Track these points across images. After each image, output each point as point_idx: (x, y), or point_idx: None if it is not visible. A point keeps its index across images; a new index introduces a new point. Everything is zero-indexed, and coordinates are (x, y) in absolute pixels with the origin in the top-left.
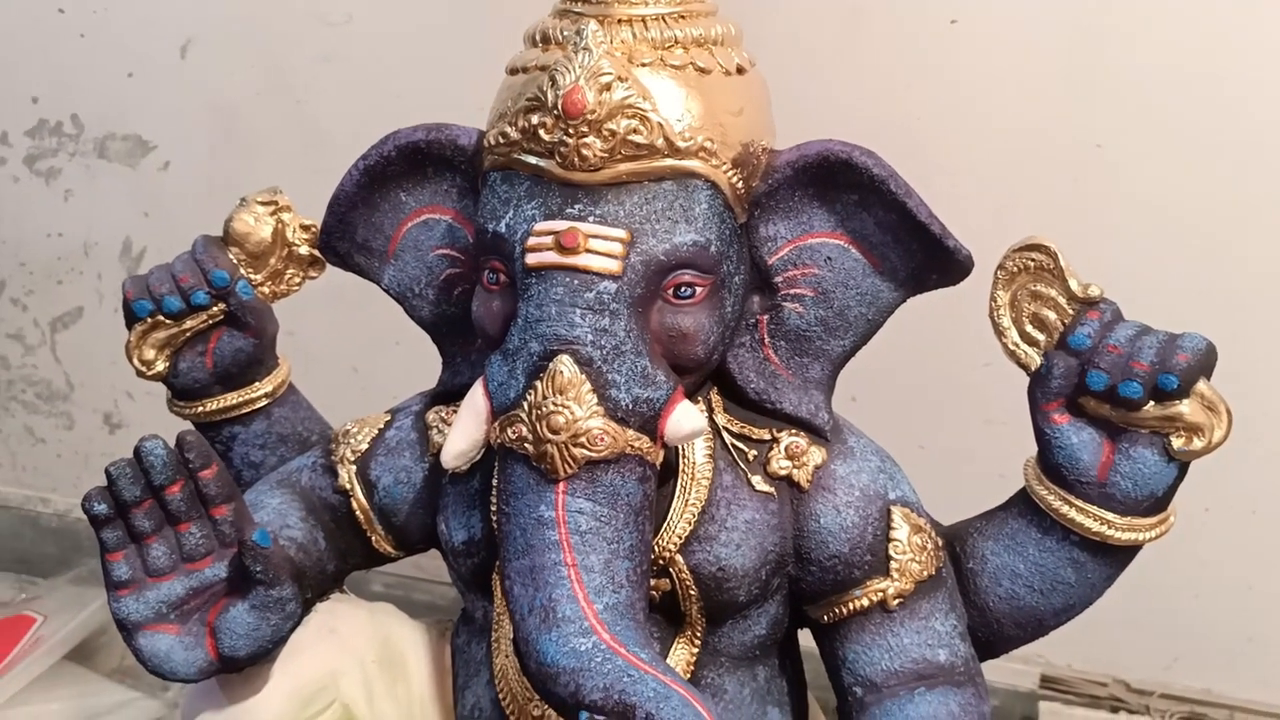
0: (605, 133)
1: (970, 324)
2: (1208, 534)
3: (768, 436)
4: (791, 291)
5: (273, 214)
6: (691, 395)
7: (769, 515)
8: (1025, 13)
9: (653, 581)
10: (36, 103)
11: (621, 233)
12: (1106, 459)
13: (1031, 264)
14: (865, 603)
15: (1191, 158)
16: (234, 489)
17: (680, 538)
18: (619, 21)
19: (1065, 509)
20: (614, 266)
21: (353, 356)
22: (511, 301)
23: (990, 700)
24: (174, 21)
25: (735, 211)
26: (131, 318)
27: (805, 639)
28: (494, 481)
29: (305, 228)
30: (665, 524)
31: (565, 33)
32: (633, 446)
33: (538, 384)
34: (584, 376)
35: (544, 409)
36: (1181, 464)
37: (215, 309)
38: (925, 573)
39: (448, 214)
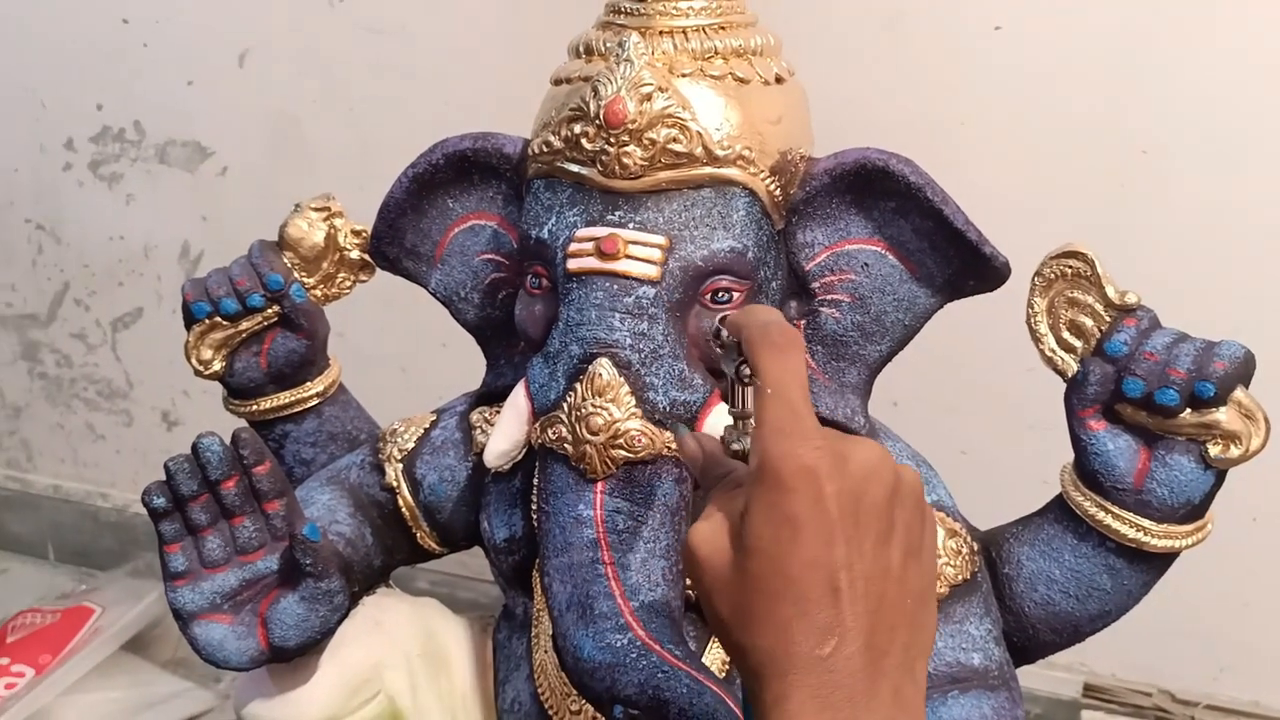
0: (645, 141)
1: (1013, 329)
2: (1255, 543)
3: None
4: (828, 297)
5: (325, 220)
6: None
7: None
8: (1069, 17)
9: (689, 581)
10: (101, 110)
11: (660, 239)
12: (1143, 466)
13: (1069, 271)
14: None
15: (1238, 162)
16: (286, 485)
17: None
18: (660, 33)
19: (1101, 515)
20: (653, 272)
21: (401, 357)
22: (553, 305)
23: (1029, 706)
24: (233, 32)
25: (773, 218)
26: (190, 319)
27: None
28: (535, 481)
29: (356, 233)
30: None
31: (608, 44)
32: (670, 448)
33: (577, 386)
34: (622, 379)
35: (583, 410)
36: (1218, 472)
37: (270, 311)
38: (960, 577)
39: (493, 220)
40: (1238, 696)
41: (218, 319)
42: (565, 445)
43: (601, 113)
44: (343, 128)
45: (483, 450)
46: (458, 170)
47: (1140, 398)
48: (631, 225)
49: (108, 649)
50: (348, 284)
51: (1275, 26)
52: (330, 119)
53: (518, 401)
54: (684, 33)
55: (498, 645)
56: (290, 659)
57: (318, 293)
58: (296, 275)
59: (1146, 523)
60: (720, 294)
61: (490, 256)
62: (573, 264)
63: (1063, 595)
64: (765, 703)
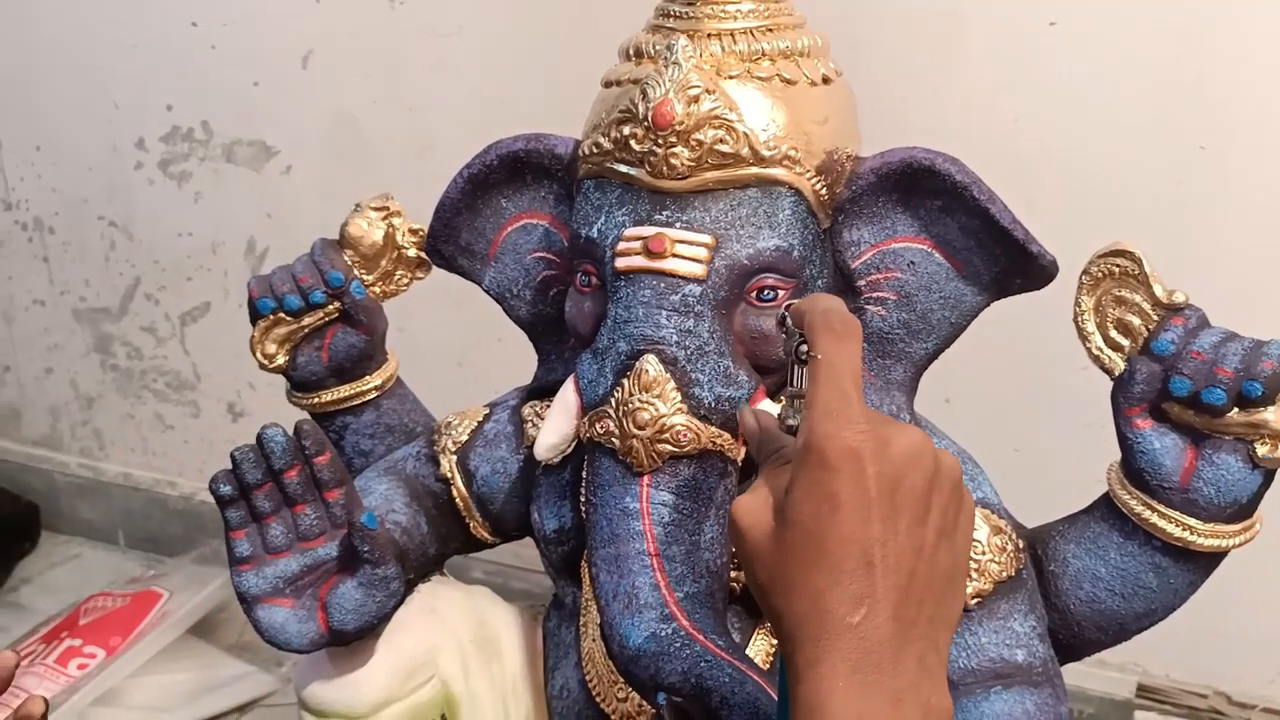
0: (693, 143)
1: (1068, 327)
2: None
3: None
4: (875, 295)
5: (384, 219)
6: (773, 395)
7: None
8: (1125, 12)
9: (733, 574)
10: (170, 110)
11: (707, 238)
12: (1189, 465)
13: (1116, 269)
14: None
15: None
16: (345, 474)
17: None
18: (708, 36)
19: (1147, 514)
20: (699, 270)
21: (457, 352)
22: (602, 303)
23: (1082, 706)
24: (297, 34)
25: (819, 217)
26: (255, 314)
27: None
28: (583, 474)
29: (414, 232)
30: None
31: (657, 47)
32: (715, 443)
33: (625, 382)
34: (669, 375)
35: (630, 405)
36: (1266, 471)
37: (331, 307)
38: (1005, 573)
39: (545, 219)
40: None
41: (281, 314)
42: (613, 439)
43: (650, 114)
44: (402, 128)
45: (534, 443)
46: (511, 171)
47: (1187, 397)
48: (678, 225)
49: (175, 632)
50: (405, 281)
51: None
52: (390, 119)
53: (567, 396)
54: (732, 35)
55: (547, 633)
56: (348, 642)
57: (376, 289)
58: (356, 272)
59: (1193, 522)
60: (765, 292)
61: (542, 255)
62: (621, 262)
63: (1108, 593)
64: (799, 665)
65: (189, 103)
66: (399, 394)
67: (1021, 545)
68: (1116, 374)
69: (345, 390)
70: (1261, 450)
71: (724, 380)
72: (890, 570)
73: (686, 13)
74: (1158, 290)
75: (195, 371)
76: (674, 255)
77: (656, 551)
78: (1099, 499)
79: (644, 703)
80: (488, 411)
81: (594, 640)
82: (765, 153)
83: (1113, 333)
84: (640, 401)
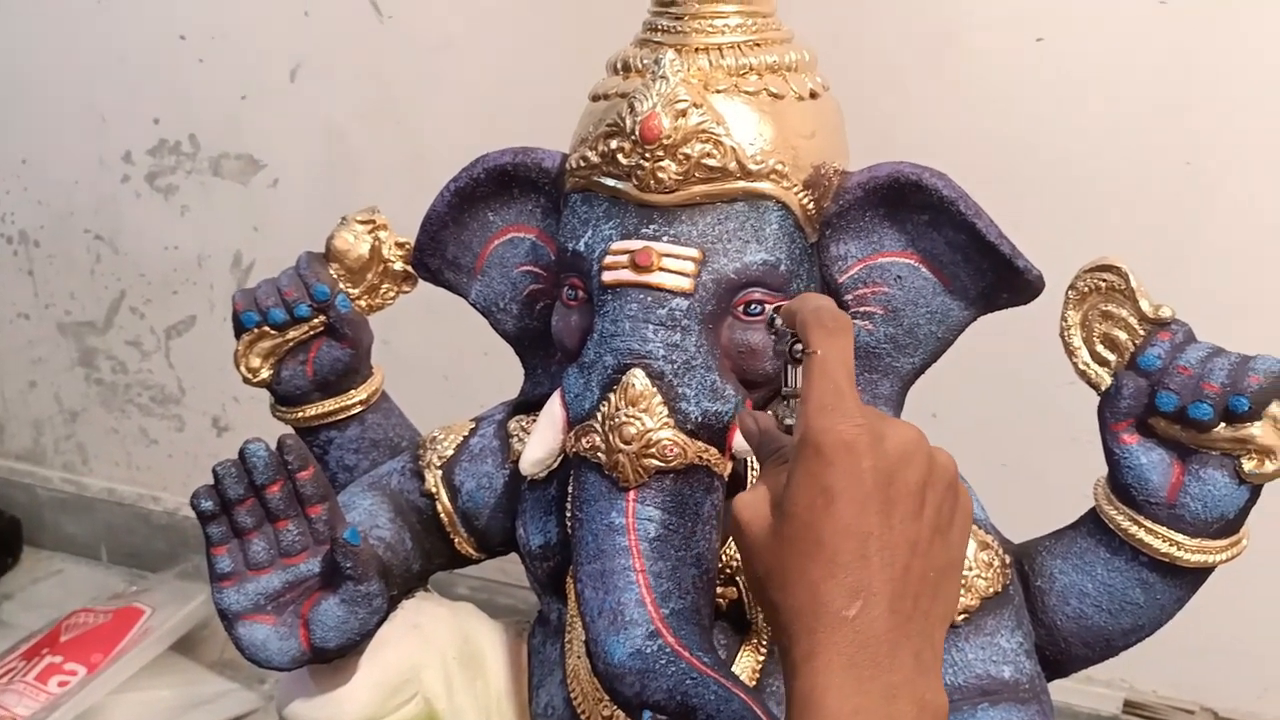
0: (680, 156)
1: (1054, 342)
2: None
3: None
4: (862, 309)
5: (370, 232)
6: (760, 409)
7: None
8: (1111, 28)
9: (720, 590)
10: (158, 123)
11: (694, 252)
12: (1176, 480)
13: (1103, 284)
14: None
15: None
16: (329, 490)
17: None
18: (696, 50)
19: (1134, 529)
20: (686, 284)
21: (443, 366)
22: (589, 317)
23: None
24: (285, 47)
25: (806, 231)
26: (239, 328)
27: None
28: (569, 489)
29: (400, 245)
30: None
31: (644, 61)
32: (701, 458)
33: (611, 396)
34: (655, 389)
35: (617, 419)
36: (1253, 487)
37: (316, 321)
38: (991, 589)
39: (531, 233)
40: None
41: (266, 328)
42: (599, 454)
43: (637, 128)
44: (390, 141)
45: (519, 458)
46: (498, 184)
47: (1174, 412)
48: (666, 238)
49: (157, 649)
50: (391, 294)
51: None
52: (378, 133)
53: (553, 411)
54: (719, 49)
55: (532, 650)
56: (331, 660)
57: (362, 303)
58: (342, 286)
59: (1180, 537)
60: (753, 306)
61: (529, 268)
62: (608, 276)
63: (1095, 609)
64: (795, 659)
65: (176, 116)
66: (384, 408)
67: (1008, 561)
68: (1103, 389)
69: (330, 405)
70: (1248, 465)
71: (711, 395)
72: (886, 564)
73: (674, 27)
74: (1144, 305)
75: (180, 385)
76: (661, 269)
77: (642, 567)
78: (1086, 514)
79: None
80: (473, 426)
81: (579, 657)
82: (752, 167)
83: (1099, 347)
84: (627, 416)
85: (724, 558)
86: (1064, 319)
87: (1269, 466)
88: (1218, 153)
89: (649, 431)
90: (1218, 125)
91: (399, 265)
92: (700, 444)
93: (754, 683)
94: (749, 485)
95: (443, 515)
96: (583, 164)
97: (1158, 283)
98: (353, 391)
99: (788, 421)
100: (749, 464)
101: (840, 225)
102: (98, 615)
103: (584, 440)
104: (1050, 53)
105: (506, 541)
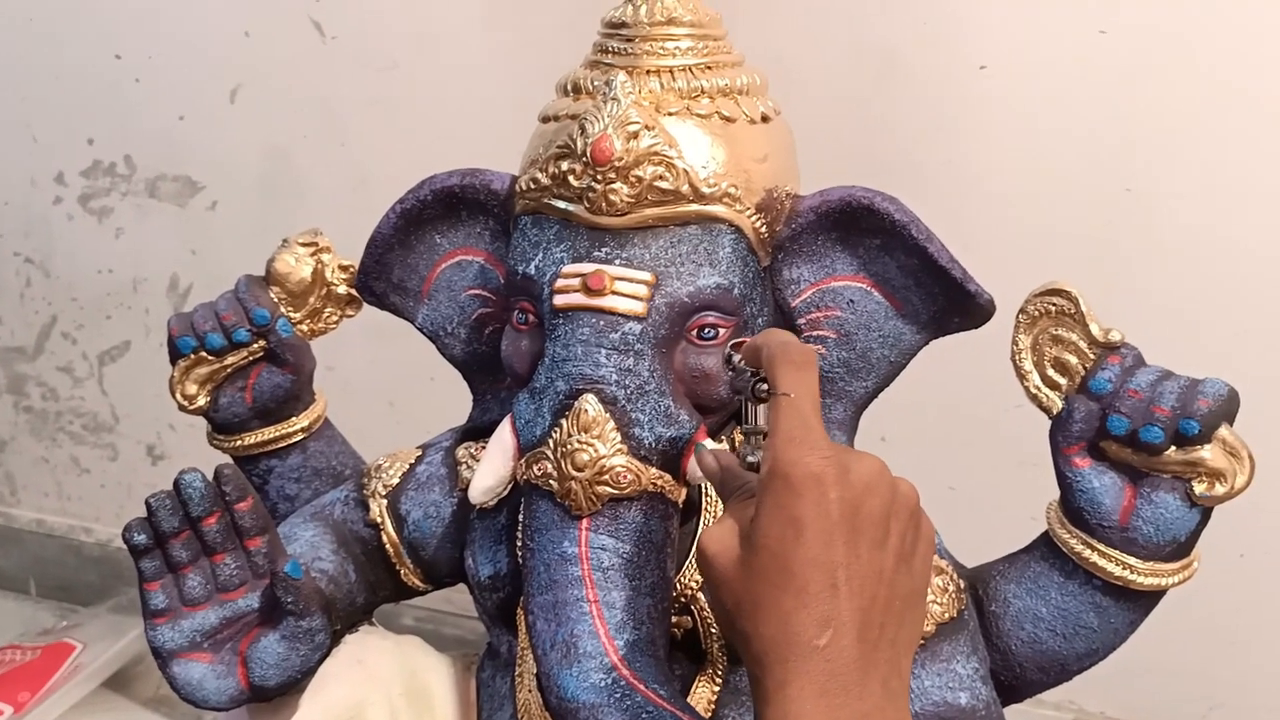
0: (632, 179)
1: (1001, 365)
2: (1243, 579)
3: None
4: (814, 333)
5: (313, 255)
6: (714, 434)
7: None
8: (1054, 57)
9: (675, 619)
10: (92, 144)
11: (647, 275)
12: (1128, 503)
13: (1053, 308)
14: None
15: (1223, 201)
16: (268, 521)
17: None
18: (647, 72)
19: (1087, 553)
20: (639, 308)
21: (388, 391)
22: (540, 341)
23: None
24: (225, 67)
25: (759, 255)
26: (175, 354)
27: None
28: (520, 517)
29: (344, 268)
30: (687, 561)
31: (595, 83)
32: (655, 484)
33: (563, 422)
34: (608, 415)
35: (569, 446)
36: (1204, 509)
37: (256, 346)
38: (946, 615)
39: (480, 256)
40: None
41: (203, 354)
42: (550, 481)
43: (588, 150)
44: (333, 163)
45: (468, 486)
46: (446, 206)
47: (1125, 435)
48: (618, 261)
49: (88, 686)
50: (335, 319)
51: (1257, 65)
52: (321, 154)
53: (503, 437)
54: (671, 72)
55: (481, 684)
56: (271, 698)
57: (304, 327)
58: (283, 310)
59: (1132, 560)
60: (706, 330)
61: (477, 292)
62: (559, 300)
63: (1050, 633)
64: (768, 689)
65: (111, 136)
66: (327, 436)
67: (963, 586)
68: (1055, 413)
69: (270, 432)
70: (1199, 488)
71: (665, 420)
72: (854, 593)
73: (625, 49)
74: (1094, 329)
75: (113, 413)
76: (613, 293)
77: (596, 598)
78: (1039, 538)
79: None
80: (420, 453)
81: (530, 691)
82: (705, 190)
83: (1050, 371)
84: (579, 442)
85: (679, 586)
86: (1015, 343)
87: (1219, 489)
88: (1158, 179)
89: (602, 458)
90: (1158, 152)
91: (343, 288)
92: (654, 470)
93: (709, 714)
94: (703, 514)
95: (388, 546)
96: (533, 186)
97: (1099, 307)
98: (294, 418)
99: (750, 459)
100: (704, 490)
101: (793, 249)
102: (25, 652)
103: (535, 467)
104: (993, 80)
105: (454, 572)
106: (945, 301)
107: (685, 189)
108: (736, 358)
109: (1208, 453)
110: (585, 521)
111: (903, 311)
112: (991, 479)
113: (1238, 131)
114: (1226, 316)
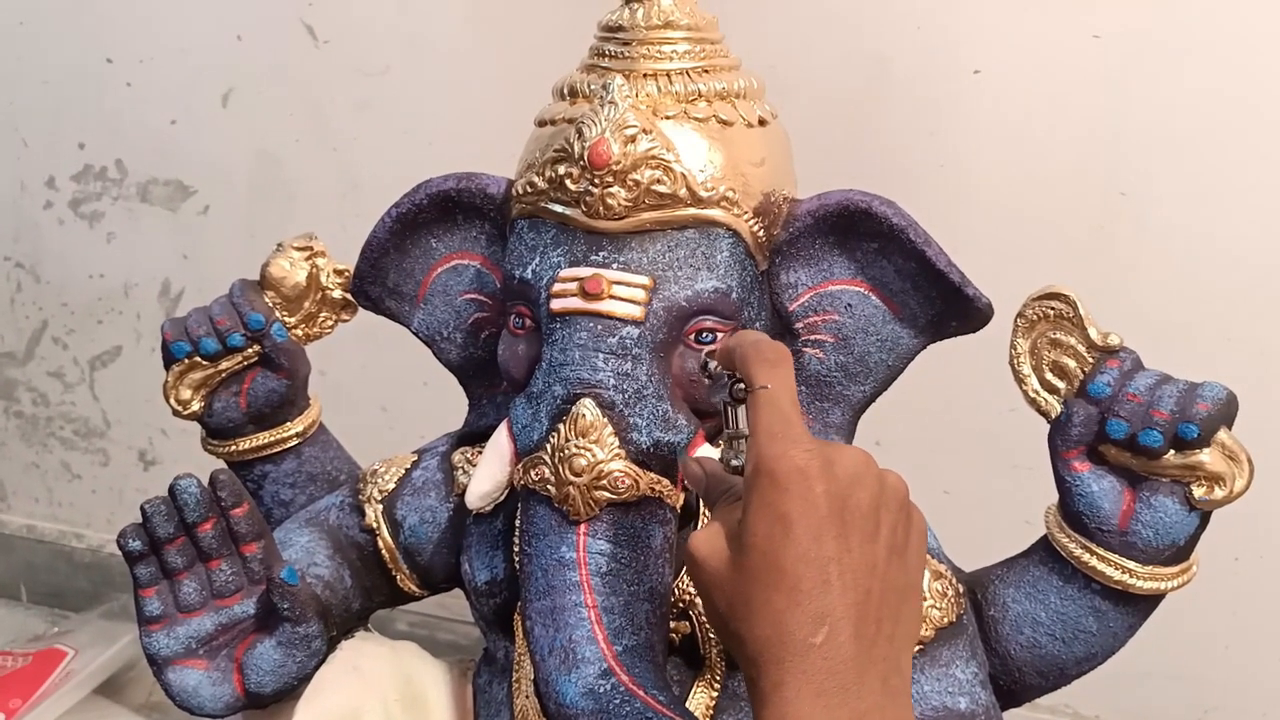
0: (630, 183)
1: (998, 370)
2: (1238, 583)
3: None
4: (812, 337)
5: (308, 259)
6: (712, 439)
7: None
8: (1048, 61)
9: (673, 624)
10: (83, 149)
11: (644, 279)
12: (1127, 507)
13: (1051, 312)
14: None
15: (1216, 205)
16: (264, 527)
17: None
18: (644, 76)
19: (1086, 557)
20: (637, 312)
21: (383, 396)
22: (536, 346)
23: None
24: (217, 71)
25: (756, 259)
26: (169, 359)
27: None
28: (517, 522)
29: (339, 272)
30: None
31: (592, 86)
32: (654, 489)
33: (561, 427)
34: (606, 420)
35: (566, 451)
36: (1203, 513)
37: (250, 351)
38: (945, 619)
39: (476, 260)
40: None
41: (197, 359)
42: (548, 486)
43: (586, 154)
44: (326, 167)
45: (464, 491)
46: (441, 210)
47: (1124, 439)
48: (615, 266)
49: (80, 693)
50: (329, 323)
51: (1249, 70)
52: (314, 159)
53: (500, 442)
54: (668, 75)
55: (478, 690)
56: (266, 705)
57: (299, 332)
58: (278, 314)
59: (1131, 564)
60: (704, 334)
61: (473, 296)
62: (556, 304)
63: (1049, 638)
64: (763, 690)
65: (102, 141)
66: (322, 441)
67: (962, 590)
68: (1053, 416)
69: (265, 437)
70: (1198, 492)
71: (663, 424)
72: (847, 588)
73: (622, 53)
74: (1092, 333)
75: (105, 418)
76: (611, 296)
77: (594, 603)
78: (1037, 542)
79: None
80: (416, 458)
81: (527, 697)
82: (703, 194)
83: (1049, 375)
84: (577, 447)
85: (677, 591)
86: (1013, 347)
87: (1218, 493)
88: (1152, 183)
89: (600, 463)
90: (1151, 156)
91: (338, 293)
92: (652, 475)
93: (707, 719)
94: (699, 518)
95: (384, 551)
96: (529, 190)
97: (1095, 311)
98: (289, 424)
99: (734, 463)
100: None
101: (790, 253)
102: (17, 659)
103: (533, 472)
104: (987, 84)
105: (450, 577)
106: (943, 305)
107: (683, 192)
108: (713, 364)
109: (1207, 456)
110: (583, 526)
111: (900, 315)
112: (987, 483)
113: (1231, 136)
114: (1220, 320)
